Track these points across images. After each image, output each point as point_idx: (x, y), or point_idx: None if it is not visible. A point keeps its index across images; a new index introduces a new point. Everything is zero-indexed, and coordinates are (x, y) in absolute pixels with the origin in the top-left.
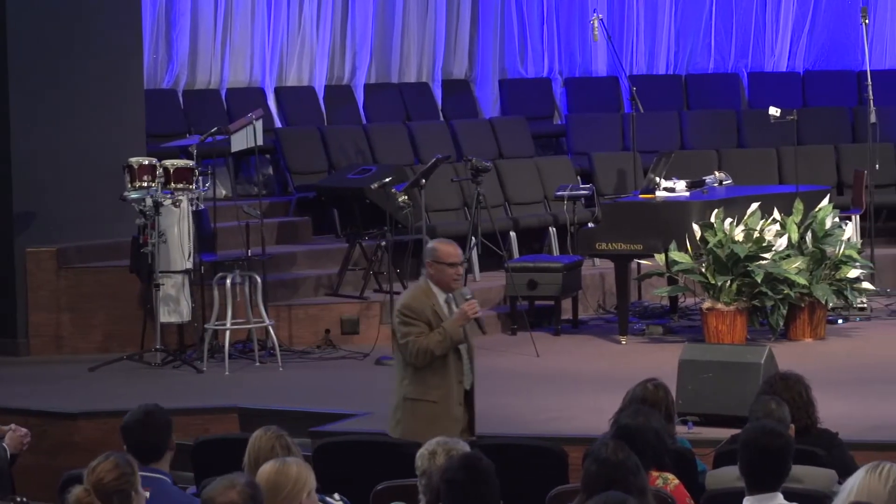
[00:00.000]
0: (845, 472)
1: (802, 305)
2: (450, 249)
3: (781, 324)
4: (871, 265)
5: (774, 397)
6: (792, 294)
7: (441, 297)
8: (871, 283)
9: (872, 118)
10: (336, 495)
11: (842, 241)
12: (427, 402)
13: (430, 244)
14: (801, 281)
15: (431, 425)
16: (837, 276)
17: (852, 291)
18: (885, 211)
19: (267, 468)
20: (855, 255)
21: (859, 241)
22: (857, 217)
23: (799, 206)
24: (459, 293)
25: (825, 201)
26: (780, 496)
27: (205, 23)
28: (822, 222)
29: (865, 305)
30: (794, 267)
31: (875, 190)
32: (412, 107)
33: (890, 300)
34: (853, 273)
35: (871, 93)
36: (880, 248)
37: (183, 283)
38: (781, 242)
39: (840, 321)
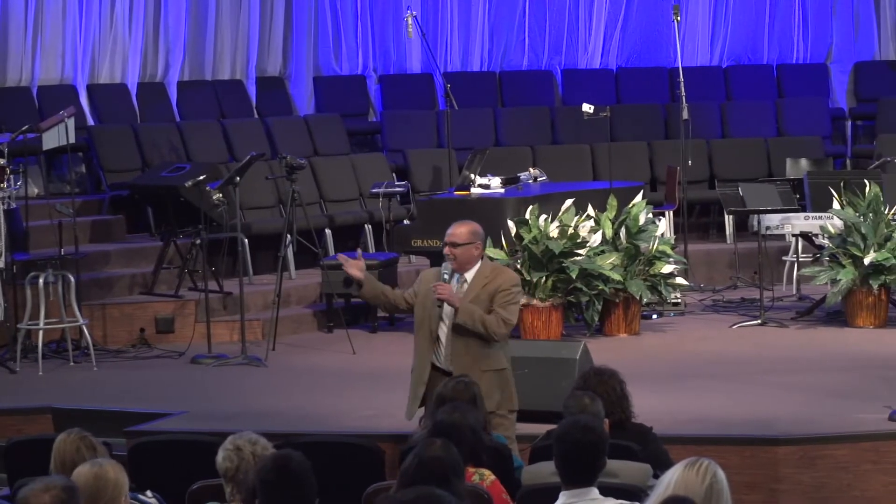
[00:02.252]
0: (660, 466)
1: (617, 301)
2: (452, 227)
3: (597, 319)
4: (685, 260)
5: (588, 392)
6: (607, 290)
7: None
8: (684, 278)
9: (685, 115)
10: (148, 492)
11: (655, 236)
12: (411, 374)
13: None
14: (616, 277)
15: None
16: (651, 272)
17: (666, 287)
18: (697, 207)
19: (84, 472)
20: (668, 251)
21: (672, 236)
22: (671, 213)
23: (613, 202)
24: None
25: (639, 197)
26: (595, 490)
27: (15, 19)
28: (636, 218)
29: (679, 300)
30: (609, 263)
31: (688, 186)
32: (226, 104)
33: (703, 295)
34: (667, 268)
35: (683, 90)
36: (693, 243)
37: None
38: (596, 238)
39: (654, 316)
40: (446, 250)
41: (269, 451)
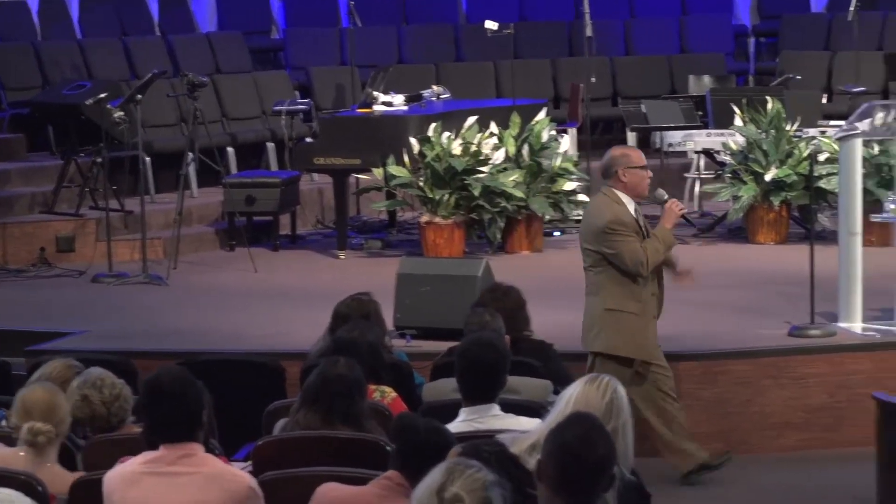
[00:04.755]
0: (560, 382)
1: (519, 218)
2: (639, 153)
3: (499, 237)
4: (587, 177)
5: (489, 309)
6: (509, 207)
7: (630, 206)
8: (587, 195)
9: (588, 32)
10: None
11: (558, 154)
12: (628, 314)
13: (616, 152)
14: (518, 194)
15: (632, 338)
16: (554, 189)
17: (568, 204)
18: (600, 124)
19: (39, 394)
20: (571, 168)
21: (576, 153)
22: (574, 130)
23: (516, 119)
24: (655, 196)
25: (542, 114)
26: (496, 407)
27: None
28: (539, 135)
29: (581, 217)
30: (511, 180)
31: (591, 103)
32: (128, 22)
33: None
34: (569, 186)
35: (587, 7)
36: (596, 160)
37: None
38: (498, 156)
39: (556, 233)
40: (650, 173)
41: (119, 389)
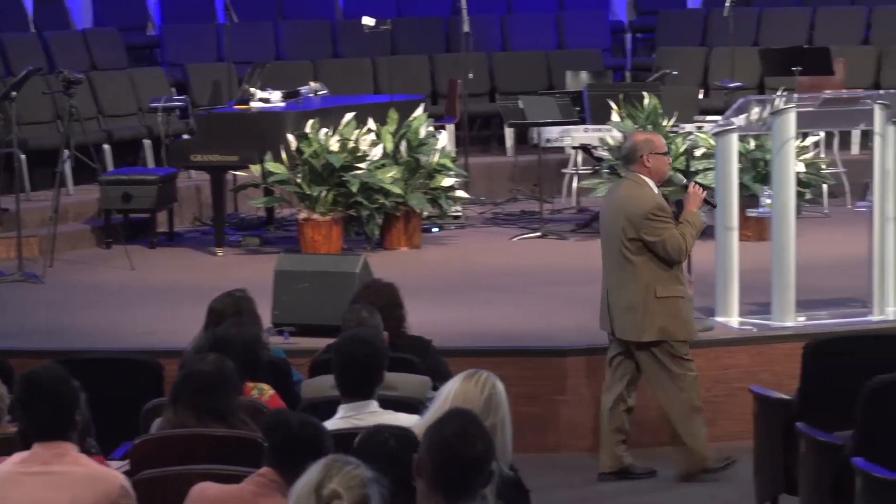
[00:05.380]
0: (439, 378)
1: (398, 214)
2: (661, 139)
3: (377, 233)
4: (465, 173)
5: (367, 305)
6: (387, 203)
7: (655, 191)
8: (465, 191)
9: (466, 28)
10: None
11: (436, 150)
12: (679, 299)
13: (640, 137)
14: (396, 190)
15: (687, 321)
16: (432, 185)
17: (447, 200)
18: (478, 120)
19: None
20: (449, 164)
21: (454, 149)
22: (452, 126)
23: (393, 115)
24: (673, 180)
25: (419, 111)
26: (374, 403)
27: None
28: (417, 132)
29: (460, 213)
30: (389, 176)
31: (469, 99)
32: (2, 18)
33: (483, 208)
34: (447, 182)
35: (464, 3)
36: (474, 156)
37: None
38: (376, 152)
39: (435, 229)
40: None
41: None
